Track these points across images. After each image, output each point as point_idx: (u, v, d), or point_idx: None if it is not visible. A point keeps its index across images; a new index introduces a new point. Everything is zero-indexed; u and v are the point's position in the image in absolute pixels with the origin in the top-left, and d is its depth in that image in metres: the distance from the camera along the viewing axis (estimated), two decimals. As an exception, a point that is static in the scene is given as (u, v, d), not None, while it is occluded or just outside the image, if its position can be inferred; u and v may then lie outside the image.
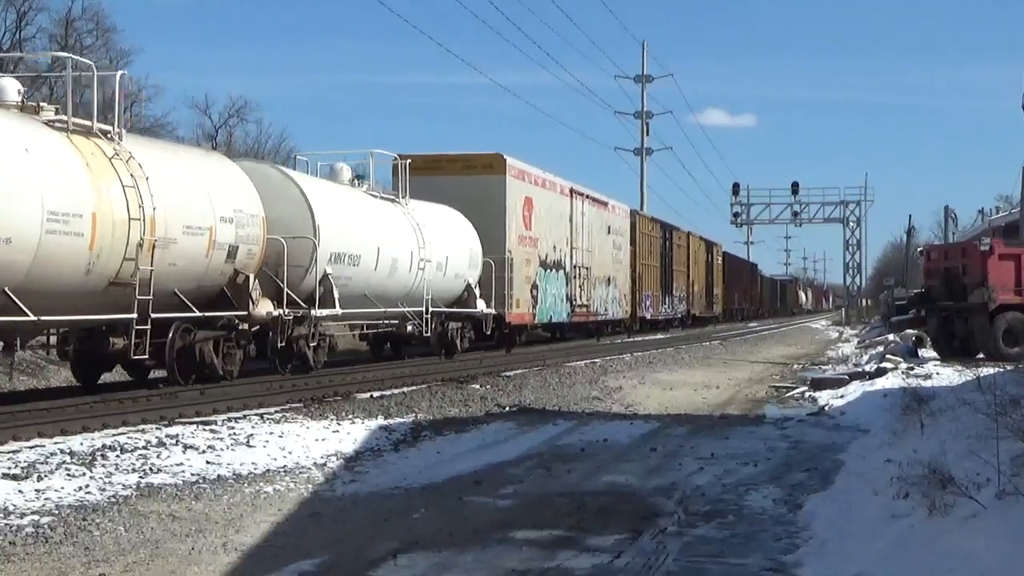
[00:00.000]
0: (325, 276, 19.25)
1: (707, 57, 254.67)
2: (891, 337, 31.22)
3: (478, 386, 18.25)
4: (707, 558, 7.09)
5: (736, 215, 72.54)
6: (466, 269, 25.51)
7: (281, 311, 17.81)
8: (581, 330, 37.97)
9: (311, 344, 19.08)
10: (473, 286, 25.66)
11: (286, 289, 18.05)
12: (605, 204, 38.45)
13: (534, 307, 29.76)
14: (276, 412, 13.87)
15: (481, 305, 25.86)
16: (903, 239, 71.57)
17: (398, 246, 22.27)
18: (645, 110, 63.33)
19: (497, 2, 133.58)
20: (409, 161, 24.57)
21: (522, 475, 10.24)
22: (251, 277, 17.15)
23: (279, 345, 18.05)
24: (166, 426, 12.25)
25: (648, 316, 45.37)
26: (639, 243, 43.50)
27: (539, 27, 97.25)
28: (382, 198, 23.02)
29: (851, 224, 73.96)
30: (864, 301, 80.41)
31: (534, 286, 29.76)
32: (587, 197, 35.77)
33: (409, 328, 22.91)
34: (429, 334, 23.40)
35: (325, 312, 19.15)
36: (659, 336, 43.95)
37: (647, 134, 63.42)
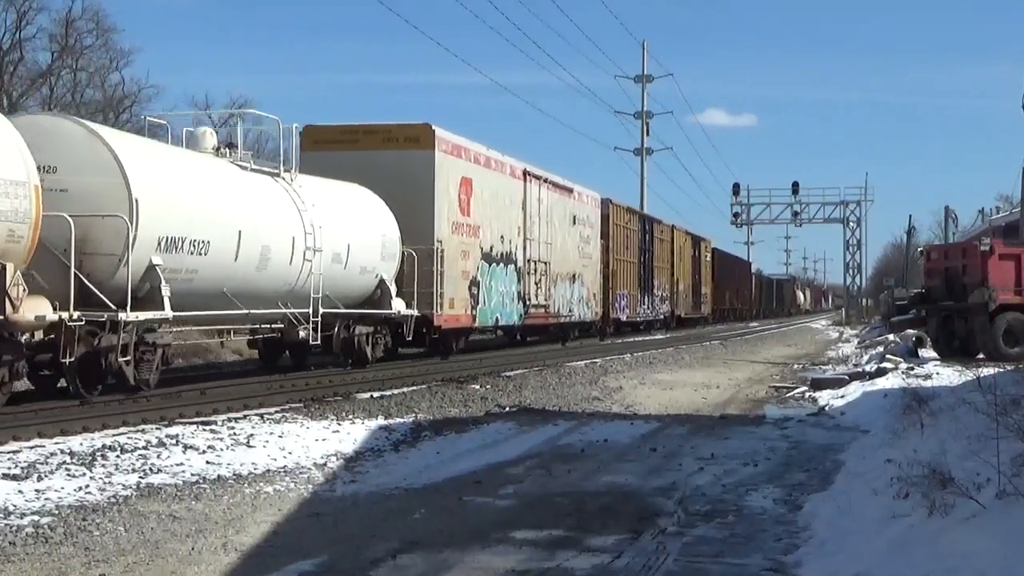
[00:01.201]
0: (151, 268, 14.68)
1: (707, 57, 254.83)
2: (891, 337, 31.22)
3: (478, 386, 18.25)
4: (707, 558, 7.09)
5: (736, 215, 72.56)
6: (377, 262, 21.11)
7: (65, 314, 13.17)
8: (544, 333, 34.26)
9: (127, 358, 14.25)
10: (388, 282, 21.32)
11: (73, 284, 13.42)
12: (570, 190, 33.89)
13: (474, 307, 25.06)
14: (276, 412, 13.87)
15: (398, 305, 21.65)
16: (903, 239, 71.61)
17: (273, 231, 17.64)
18: (645, 110, 63.35)
19: (497, 2, 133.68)
20: (299, 127, 21.28)
21: (522, 475, 10.24)
22: (8, 268, 12.44)
23: (68, 360, 13.45)
24: (166, 426, 12.25)
25: (623, 318, 41.15)
26: (613, 236, 39.19)
27: (539, 27, 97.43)
28: (254, 170, 18.16)
29: (851, 224, 74.01)
30: (864, 301, 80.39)
31: (474, 283, 25.08)
32: (545, 181, 31.04)
33: (302, 334, 18.73)
34: (319, 341, 19.28)
35: (144, 316, 14.51)
36: (658, 336, 43.86)
37: (647, 134, 63.45)
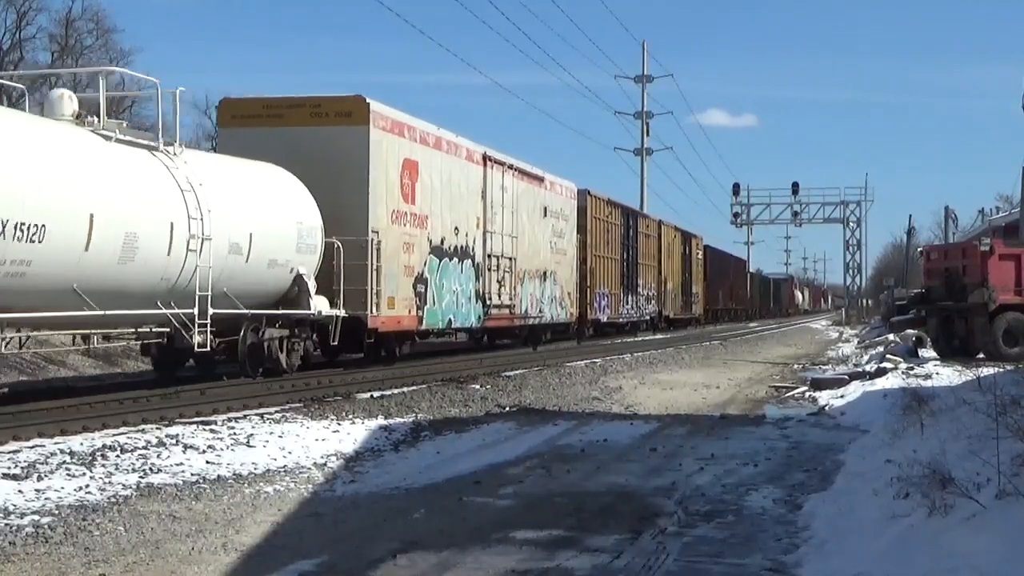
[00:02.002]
0: None
1: (707, 57, 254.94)
2: (891, 337, 31.22)
3: (478, 386, 18.25)
4: (707, 558, 7.09)
5: (736, 215, 72.58)
6: (292, 254, 17.99)
7: None
8: (510, 336, 30.91)
9: None
10: (306, 277, 18.23)
11: None
12: (540, 179, 30.83)
13: (420, 307, 22.07)
14: (276, 412, 13.87)
15: (320, 304, 18.62)
16: (903, 239, 71.66)
17: (143, 215, 14.55)
18: (645, 110, 63.33)
19: (497, 2, 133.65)
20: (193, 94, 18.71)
21: (522, 475, 10.24)
22: None
23: None
24: (166, 426, 12.26)
25: (604, 319, 38.08)
26: (592, 230, 36.15)
27: (539, 27, 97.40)
28: (122, 142, 14.84)
29: (851, 224, 74.04)
30: (864, 301, 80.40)
31: (420, 279, 22.06)
32: (510, 168, 27.91)
33: (197, 338, 15.58)
34: (211, 347, 16.15)
35: None
36: (658, 337, 43.83)
37: (647, 134, 63.41)
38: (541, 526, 7.99)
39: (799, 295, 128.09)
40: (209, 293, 15.73)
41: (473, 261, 25.22)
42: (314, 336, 19.16)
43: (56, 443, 10.72)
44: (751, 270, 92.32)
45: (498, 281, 26.87)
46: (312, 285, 18.48)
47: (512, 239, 27.88)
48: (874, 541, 6.94)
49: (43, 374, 19.38)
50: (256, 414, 13.61)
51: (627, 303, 41.06)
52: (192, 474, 9.64)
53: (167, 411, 13.29)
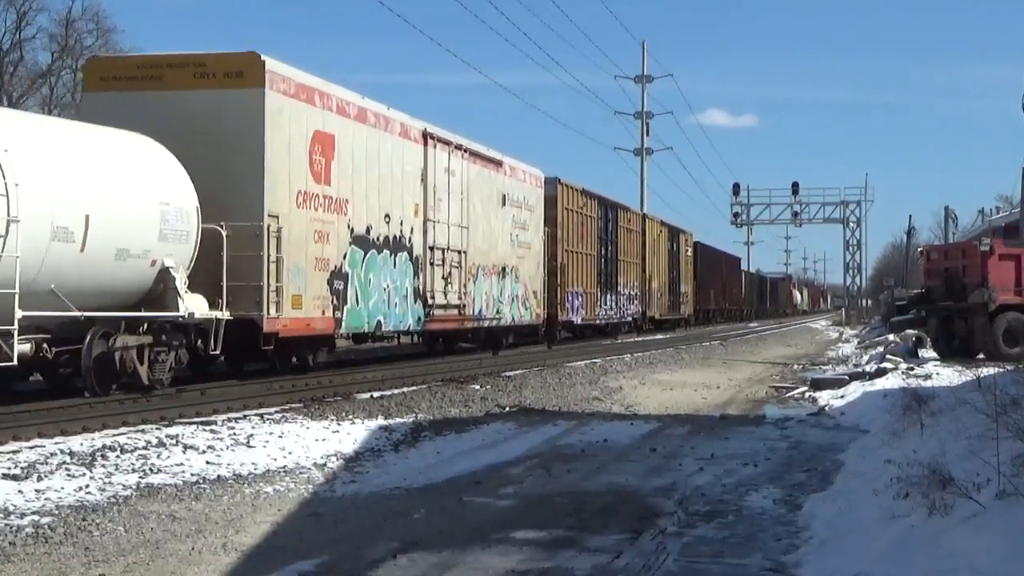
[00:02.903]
0: None
1: (708, 57, 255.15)
2: (891, 337, 31.21)
3: (478, 386, 18.25)
4: (707, 558, 7.09)
5: (736, 215, 72.57)
6: (153, 242, 14.72)
7: None
8: (463, 340, 27.68)
9: None
10: (174, 272, 14.99)
11: None
12: (498, 164, 27.21)
13: (338, 307, 18.93)
14: (276, 412, 13.87)
15: (195, 304, 15.38)
16: (903, 239, 71.64)
17: None
18: (645, 110, 63.34)
19: (497, 2, 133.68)
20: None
21: (522, 475, 10.24)
22: None
23: None
24: (166, 426, 12.25)
25: (577, 320, 34.96)
26: (564, 223, 32.94)
27: (539, 27, 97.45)
28: None
29: (851, 224, 74.03)
30: (864, 301, 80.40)
31: (338, 274, 18.91)
32: (459, 148, 24.48)
33: (19, 348, 12.82)
34: (17, 360, 12.80)
35: None
36: (659, 336, 43.81)
37: (647, 134, 63.43)
38: (541, 526, 7.99)
39: (797, 295, 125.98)
40: (16, 291, 12.44)
41: (410, 254, 21.94)
42: (198, 343, 15.74)
43: (56, 443, 10.71)
44: (748, 269, 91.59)
45: (443, 277, 23.52)
46: (182, 281, 15.18)
47: (462, 230, 24.59)
48: (874, 541, 6.94)
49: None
50: (256, 414, 13.60)
51: (605, 303, 37.91)
52: (192, 474, 9.64)
53: (167, 411, 13.29)
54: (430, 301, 22.87)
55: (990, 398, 8.58)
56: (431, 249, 22.95)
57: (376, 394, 16.17)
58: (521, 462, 11.07)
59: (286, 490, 9.27)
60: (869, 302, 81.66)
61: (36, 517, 7.73)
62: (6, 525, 7.44)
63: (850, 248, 75.60)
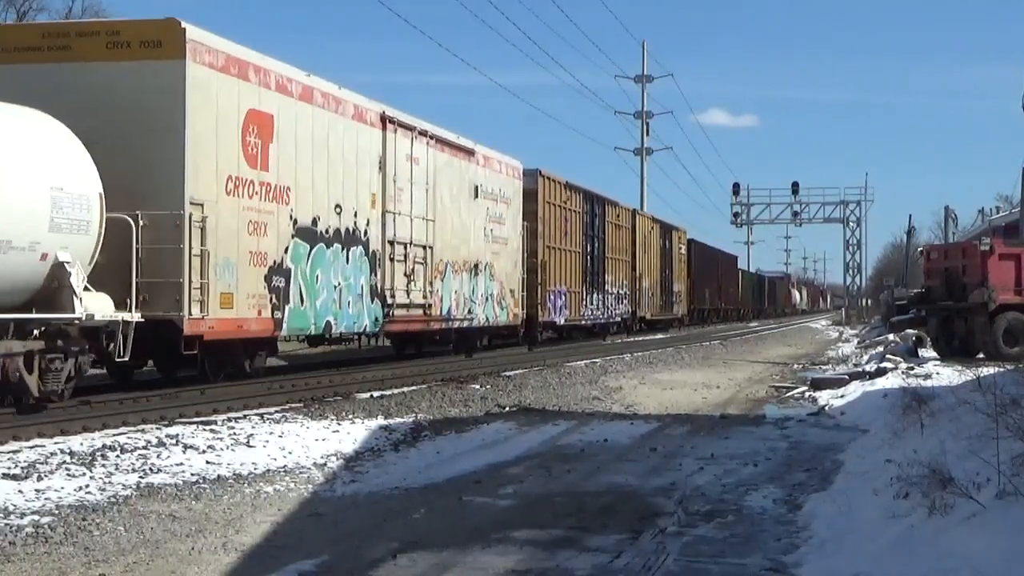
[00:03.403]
0: None
1: (709, 57, 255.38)
2: (891, 337, 31.22)
3: (478, 386, 18.25)
4: (707, 558, 7.09)
5: (736, 215, 72.61)
6: (43, 233, 12.77)
7: None
8: (430, 342, 25.54)
9: None
10: (70, 267, 12.99)
11: None
12: (469, 152, 25.11)
13: (279, 307, 16.85)
14: (276, 412, 13.87)
15: (97, 305, 13.41)
16: (903, 239, 71.56)
17: None
18: (645, 110, 63.36)
19: (497, 2, 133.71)
20: None
21: (522, 475, 10.24)
22: None
23: None
24: (166, 426, 12.26)
25: (560, 320, 32.71)
26: (544, 217, 30.80)
27: (539, 27, 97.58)
28: None
29: (851, 224, 74.09)
30: (864, 301, 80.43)
31: (278, 270, 16.82)
32: (423, 134, 22.37)
33: None
34: None
35: None
36: (658, 336, 43.82)
37: (647, 134, 63.45)
38: (541, 526, 7.99)
39: (796, 294, 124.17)
40: None
41: (366, 249, 19.87)
42: (109, 347, 13.75)
43: (56, 443, 10.72)
44: (748, 268, 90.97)
45: (406, 274, 21.45)
46: (79, 277, 13.13)
47: (427, 223, 22.49)
48: (874, 541, 6.94)
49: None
50: (256, 414, 13.61)
51: (591, 303, 35.78)
52: (192, 474, 9.64)
53: (167, 411, 13.29)
54: (390, 300, 20.77)
55: (990, 398, 8.58)
56: (391, 243, 20.79)
57: (376, 394, 16.18)
58: (521, 462, 11.07)
59: (286, 490, 9.27)
60: (869, 302, 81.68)
61: (36, 517, 7.73)
62: (6, 525, 7.45)
63: (850, 248, 75.66)
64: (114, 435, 11.40)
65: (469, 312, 24.99)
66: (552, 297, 31.58)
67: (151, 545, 7.18)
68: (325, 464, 10.55)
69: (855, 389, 18.63)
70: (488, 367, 22.31)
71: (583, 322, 35.54)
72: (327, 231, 18.49)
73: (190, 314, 14.68)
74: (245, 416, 13.34)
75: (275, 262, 16.86)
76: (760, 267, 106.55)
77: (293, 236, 17.42)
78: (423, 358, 24.45)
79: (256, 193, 16.40)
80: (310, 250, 17.89)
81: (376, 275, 20.32)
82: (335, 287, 18.76)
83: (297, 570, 6.71)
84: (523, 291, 29.00)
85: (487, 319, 26.33)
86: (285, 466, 10.33)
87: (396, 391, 16.78)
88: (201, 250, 14.97)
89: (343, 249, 19.04)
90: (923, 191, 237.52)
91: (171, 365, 16.62)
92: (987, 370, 15.69)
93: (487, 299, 26.21)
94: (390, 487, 9.50)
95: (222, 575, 6.66)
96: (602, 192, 37.85)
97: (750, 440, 12.88)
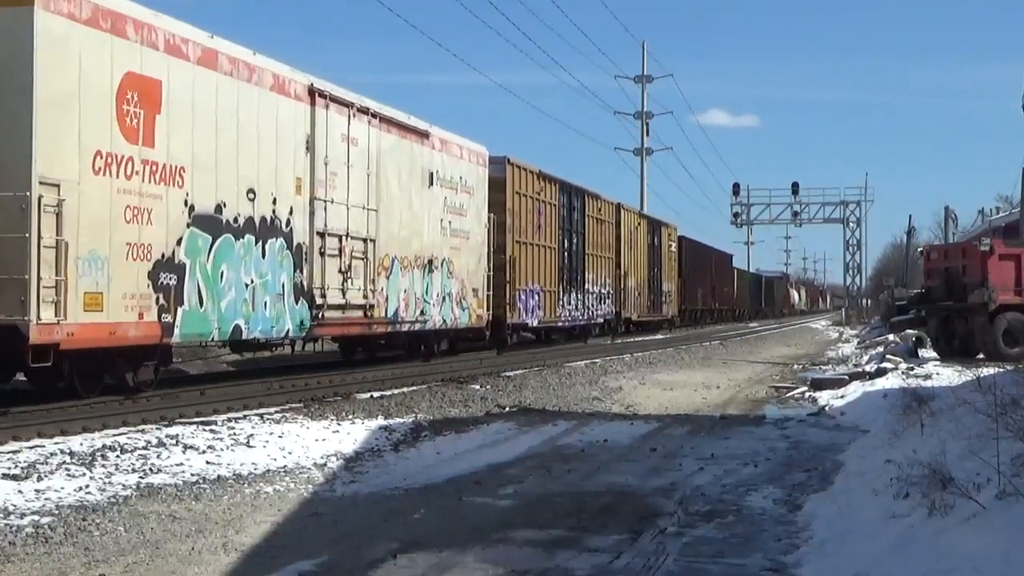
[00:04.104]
0: None
1: (709, 58, 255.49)
2: (891, 337, 31.23)
3: (478, 386, 18.25)
4: (707, 558, 7.09)
5: (736, 215, 72.63)
6: None
7: None
8: (375, 347, 23.19)
9: None
10: None
11: None
12: (423, 135, 22.31)
13: (169, 308, 14.30)
14: (276, 412, 13.88)
15: None
16: (903, 239, 71.55)
17: None
18: (645, 110, 63.35)
19: (497, 2, 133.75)
20: None
21: (522, 475, 10.24)
22: None
23: None
24: (166, 426, 12.26)
25: (533, 322, 30.05)
26: (514, 209, 28.01)
27: (539, 27, 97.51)
28: None
29: (851, 224, 74.10)
30: (864, 301, 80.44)
31: (167, 265, 14.30)
32: (364, 112, 19.62)
33: None
34: None
35: None
36: (659, 336, 43.79)
37: (647, 134, 63.44)
38: (541, 526, 7.99)
39: (795, 294, 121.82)
40: None
41: (289, 241, 17.15)
42: None
43: (56, 443, 10.72)
44: (748, 268, 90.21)
45: (341, 271, 18.84)
46: None
47: (368, 213, 19.68)
48: (874, 541, 6.94)
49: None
50: (256, 414, 13.61)
51: (569, 303, 33.07)
52: (192, 474, 9.64)
53: (167, 411, 13.29)
54: (320, 300, 18.03)
55: (990, 398, 8.58)
56: (322, 235, 18.08)
57: (376, 394, 16.18)
58: (521, 462, 11.07)
59: (286, 490, 9.27)
60: (869, 302, 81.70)
61: (36, 517, 7.73)
62: (6, 525, 7.45)
63: (850, 248, 75.67)
64: (114, 435, 11.40)
65: (422, 313, 22.31)
66: (523, 297, 28.83)
67: (151, 545, 7.18)
68: (325, 464, 10.55)
69: (855, 389, 18.64)
70: (488, 367, 22.30)
71: (560, 324, 32.91)
72: (236, 220, 15.76)
73: (39, 319, 12.14)
74: (245, 416, 13.34)
75: (164, 256, 14.25)
76: (760, 267, 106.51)
77: (189, 225, 14.76)
78: (380, 364, 22.23)
79: (137, 173, 13.76)
80: (212, 242, 15.14)
81: (302, 272, 17.60)
82: (246, 285, 15.99)
83: (297, 570, 6.71)
84: (489, 290, 26.04)
85: (444, 321, 23.52)
86: (285, 466, 10.33)
87: (396, 391, 16.78)
88: (56, 240, 12.41)
89: (258, 241, 16.30)
90: (923, 191, 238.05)
91: (47, 379, 13.74)
92: (987, 370, 15.69)
93: (444, 299, 23.48)
94: (390, 487, 9.50)
95: (222, 575, 6.66)
96: (582, 184, 34.89)
97: (750, 440, 12.88)
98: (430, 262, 22.80)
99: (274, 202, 16.85)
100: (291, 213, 17.31)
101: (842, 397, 17.95)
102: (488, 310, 25.99)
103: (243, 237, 15.97)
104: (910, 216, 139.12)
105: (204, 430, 11.98)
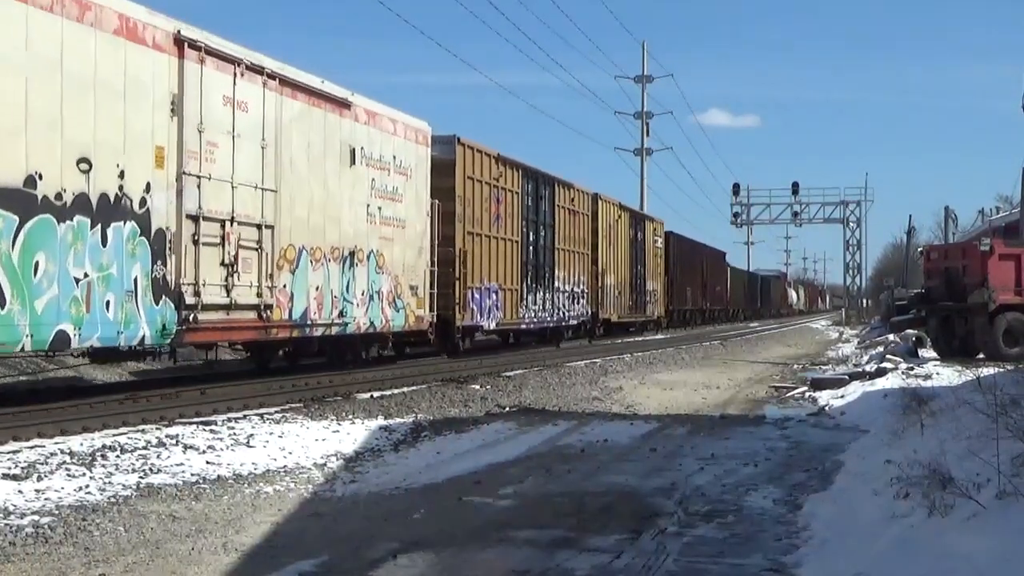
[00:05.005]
0: None
1: (710, 58, 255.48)
2: (891, 337, 31.23)
3: (478, 386, 18.26)
4: (707, 558, 7.09)
5: (736, 215, 72.72)
6: None
7: None
8: (290, 353, 20.25)
9: None
10: None
11: None
12: (343, 105, 18.79)
13: None
14: (276, 412, 13.88)
15: None
16: (903, 239, 71.59)
17: None
18: (645, 110, 63.37)
19: (497, 2, 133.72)
20: None
21: (522, 475, 10.24)
22: None
23: None
24: (166, 426, 12.26)
25: (490, 324, 26.74)
26: (468, 197, 24.95)
27: (539, 27, 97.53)
28: None
29: (851, 224, 74.17)
30: (864, 301, 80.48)
31: None
32: (257, 71, 16.20)
33: None
34: None
35: None
36: (659, 336, 43.78)
37: (647, 134, 63.46)
38: (541, 526, 7.99)
39: (793, 294, 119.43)
40: None
41: (144, 226, 13.87)
42: None
43: (56, 443, 10.73)
44: (745, 267, 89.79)
45: (225, 263, 15.41)
46: None
47: (265, 194, 16.34)
48: (874, 541, 6.94)
49: (42, 374, 19.38)
50: (256, 414, 13.62)
51: (534, 303, 29.74)
52: (192, 474, 9.64)
53: (167, 411, 13.30)
54: (192, 300, 14.66)
55: (990, 398, 8.59)
56: (195, 220, 14.79)
57: (376, 394, 16.18)
58: (521, 462, 11.07)
59: (286, 490, 9.27)
60: (869, 302, 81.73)
61: (36, 517, 7.73)
62: (6, 525, 7.45)
63: (850, 248, 75.75)
64: (114, 435, 11.41)
65: (342, 315, 18.85)
66: (476, 296, 25.44)
67: (151, 545, 7.19)
68: (325, 464, 10.56)
69: (855, 389, 18.64)
70: (488, 367, 22.30)
71: (523, 326, 29.61)
72: (59, 197, 12.40)
73: None
74: (245, 416, 13.36)
75: None
76: (760, 267, 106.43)
77: None
78: (308, 372, 19.26)
79: None
80: (19, 225, 11.82)
81: (165, 264, 14.28)
82: (77, 280, 12.68)
83: (297, 570, 6.71)
84: (432, 288, 22.67)
85: (372, 323, 20.06)
86: (285, 466, 10.33)
87: (396, 391, 16.79)
88: None
89: (95, 225, 12.98)
90: (923, 191, 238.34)
91: None
92: (987, 370, 15.70)
93: (372, 298, 20.04)
94: (390, 487, 9.50)
95: (222, 575, 6.66)
96: (551, 172, 31.47)
97: (750, 440, 12.89)
98: (352, 254, 19.31)
99: (121, 176, 13.43)
100: (148, 191, 13.92)
101: (842, 397, 17.95)
102: (432, 311, 22.73)
103: (71, 219, 12.56)
104: (910, 216, 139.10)
105: (204, 430, 11.98)
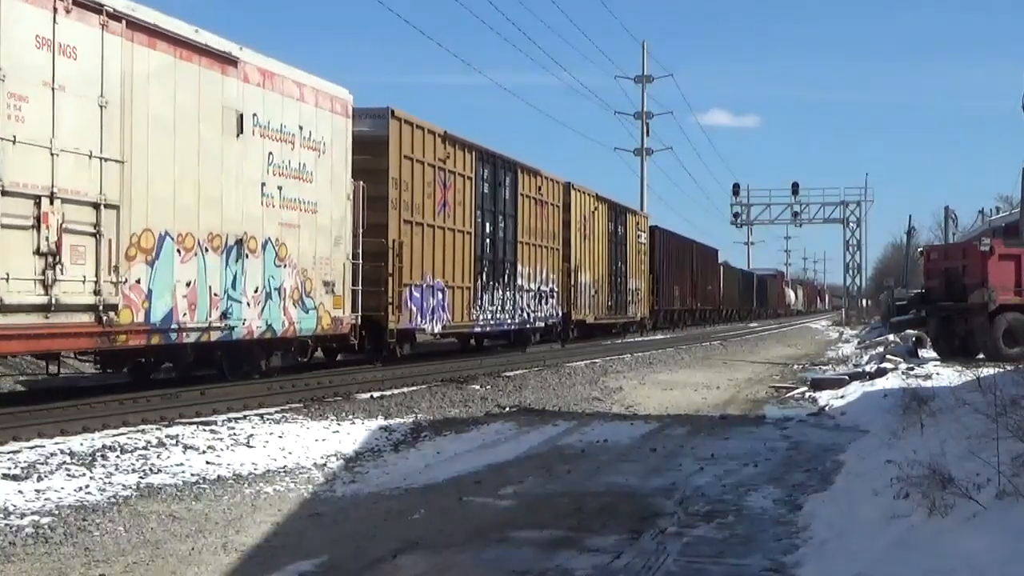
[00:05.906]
0: None
1: (710, 58, 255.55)
2: (891, 337, 31.24)
3: (478, 386, 18.25)
4: (707, 558, 7.09)
5: (736, 215, 72.69)
6: None
7: None
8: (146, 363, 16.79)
9: None
10: None
11: None
12: (227, 61, 15.46)
13: None
14: (276, 412, 13.88)
15: None
16: (903, 239, 71.60)
17: None
18: (645, 110, 63.35)
19: (497, 2, 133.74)
20: None
21: (522, 475, 10.24)
22: None
23: None
24: (166, 426, 12.26)
25: (434, 328, 23.29)
26: (405, 180, 21.48)
27: (539, 27, 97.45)
28: None
29: (851, 224, 74.14)
30: (864, 301, 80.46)
31: None
32: (92, 9, 12.83)
33: None
34: None
35: None
36: (658, 337, 43.75)
37: (647, 134, 63.43)
38: (541, 526, 7.99)
39: (791, 294, 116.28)
40: None
41: None
42: None
43: (56, 443, 10.72)
44: (741, 266, 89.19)
45: (41, 252, 12.07)
46: None
47: (106, 165, 13.08)
48: (874, 541, 6.94)
49: (43, 374, 19.38)
50: (256, 414, 13.62)
51: (491, 303, 26.32)
52: (192, 474, 9.64)
53: (167, 411, 13.29)
54: (8, 299, 11.66)
55: (990, 398, 8.59)
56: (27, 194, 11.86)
57: (376, 394, 16.18)
58: (521, 462, 11.07)
59: (286, 490, 9.27)
60: (869, 302, 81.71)
61: (36, 517, 7.73)
62: (6, 525, 7.45)
63: (850, 248, 75.70)
64: (114, 435, 11.41)
65: (225, 316, 15.60)
66: (416, 294, 22.09)
67: (151, 545, 7.19)
68: (325, 464, 10.55)
69: (855, 389, 18.64)
70: (488, 367, 22.30)
71: (477, 328, 26.13)
72: None
73: None
74: (245, 416, 13.35)
75: None
76: (761, 267, 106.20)
77: None
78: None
79: None
80: None
81: None
82: None
83: (297, 570, 6.71)
84: (356, 284, 19.29)
85: (271, 327, 16.75)
86: (285, 466, 10.33)
87: (396, 391, 16.78)
88: None
89: None
90: (923, 191, 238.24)
91: None
92: (987, 370, 15.70)
93: (269, 295, 16.70)
94: (390, 487, 9.50)
95: (222, 575, 6.66)
96: (513, 156, 27.82)
97: (750, 440, 12.88)
98: (240, 243, 15.89)
99: None
100: None
101: (842, 397, 17.94)
102: (355, 311, 19.31)
103: None
104: (910, 216, 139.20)
105: (204, 430, 11.98)
